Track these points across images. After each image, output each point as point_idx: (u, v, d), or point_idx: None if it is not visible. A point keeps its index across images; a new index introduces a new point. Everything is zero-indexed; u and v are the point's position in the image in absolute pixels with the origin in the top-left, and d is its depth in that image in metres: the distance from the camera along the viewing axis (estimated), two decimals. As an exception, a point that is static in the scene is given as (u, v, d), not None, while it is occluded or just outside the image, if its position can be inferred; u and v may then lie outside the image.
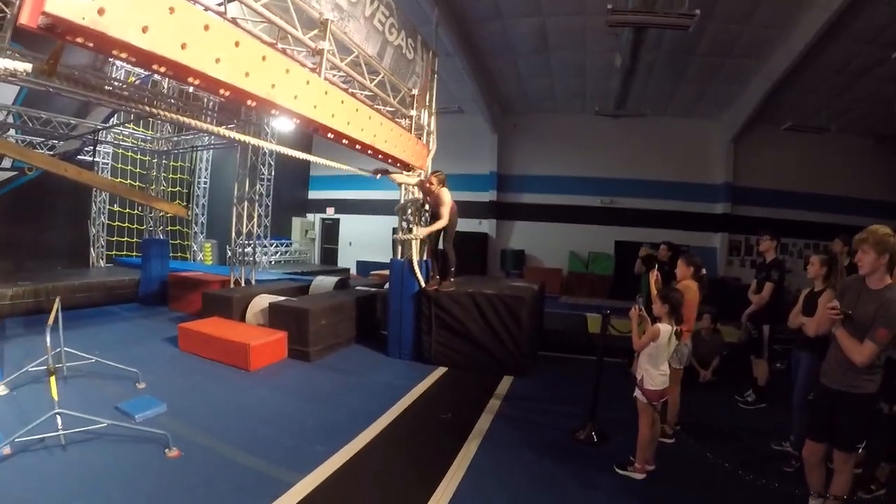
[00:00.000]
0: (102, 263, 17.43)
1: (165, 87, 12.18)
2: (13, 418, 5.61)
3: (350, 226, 25.64)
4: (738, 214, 19.37)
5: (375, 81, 7.71)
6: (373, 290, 12.17)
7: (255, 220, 13.13)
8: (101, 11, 2.95)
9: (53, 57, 4.09)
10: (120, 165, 17.44)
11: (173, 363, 8.49)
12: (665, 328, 5.00)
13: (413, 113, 9.05)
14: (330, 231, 26.28)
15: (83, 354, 7.11)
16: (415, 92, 8.99)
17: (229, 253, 19.54)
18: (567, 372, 8.83)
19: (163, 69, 3.67)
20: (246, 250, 13.28)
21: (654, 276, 6.63)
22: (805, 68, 13.54)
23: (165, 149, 15.50)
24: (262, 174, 13.03)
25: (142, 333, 10.32)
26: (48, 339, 5.49)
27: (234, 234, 13.09)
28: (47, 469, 4.71)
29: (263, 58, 4.31)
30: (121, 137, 15.38)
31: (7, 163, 13.66)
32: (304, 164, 25.00)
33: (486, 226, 22.43)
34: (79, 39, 3.10)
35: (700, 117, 19.37)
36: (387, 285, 11.33)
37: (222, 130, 5.81)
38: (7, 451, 4.78)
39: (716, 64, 15.12)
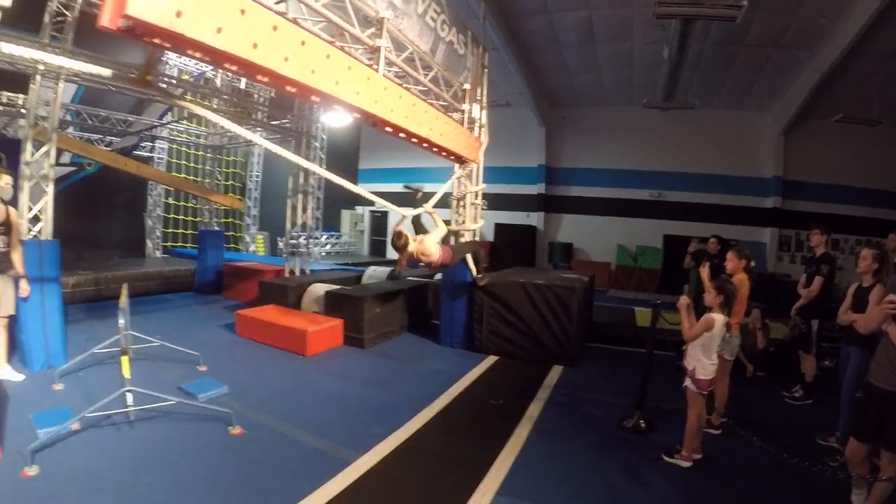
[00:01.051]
0: (158, 254, 18.08)
1: (219, 83, 12.52)
2: (79, 397, 6.03)
3: (397, 218, 25.26)
4: (789, 209, 18.98)
5: (429, 76, 7.87)
6: (424, 280, 12.40)
7: (309, 212, 13.42)
8: (178, 14, 3.16)
9: (147, 66, 4.33)
10: (174, 160, 18.02)
11: (231, 348, 8.86)
12: (719, 318, 5.06)
13: (465, 107, 9.18)
14: (379, 223, 26.57)
15: (148, 338, 7.43)
16: (466, 86, 9.12)
17: (280, 244, 20.04)
18: (615, 363, 8.90)
19: (234, 67, 3.89)
20: (300, 241, 13.59)
21: (704, 268, 6.71)
22: (855, 58, 13.23)
23: (220, 143, 15.97)
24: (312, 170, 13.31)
25: (199, 320, 10.76)
26: (121, 321, 5.81)
27: (288, 225, 13.43)
28: (116, 444, 5.04)
29: (327, 56, 4.52)
30: (176, 133, 15.89)
31: (66, 158, 14.21)
32: (353, 157, 25.35)
33: (534, 218, 22.39)
34: (156, 40, 3.32)
35: (749, 109, 19.00)
36: (437, 276, 11.54)
37: (246, 133, 5.98)
38: (76, 427, 5.12)
39: (764, 55, 14.91)
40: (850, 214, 18.44)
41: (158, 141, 16.83)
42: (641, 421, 6.17)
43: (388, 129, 6.06)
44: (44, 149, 7.30)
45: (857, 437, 4.15)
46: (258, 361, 8.19)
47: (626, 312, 13.17)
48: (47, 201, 7.30)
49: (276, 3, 5.01)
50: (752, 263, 6.43)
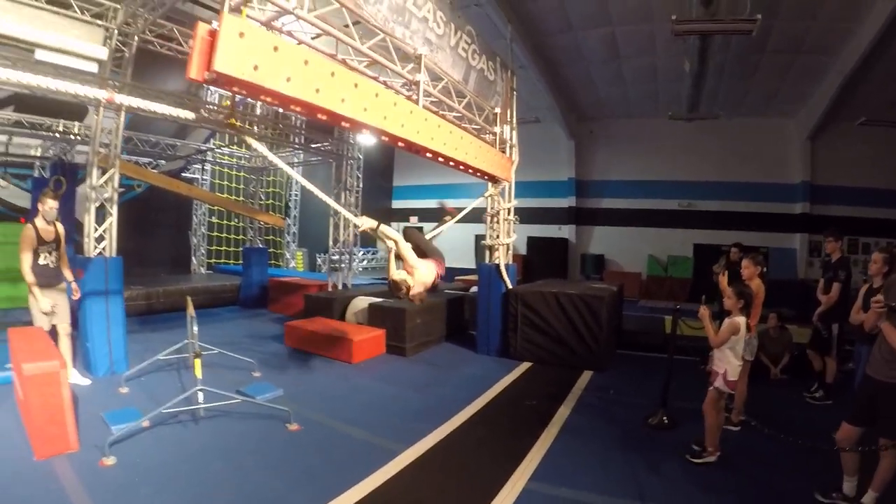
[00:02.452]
0: (202, 270, 18.94)
1: (258, 110, 13.23)
2: (144, 399, 6.76)
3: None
4: (818, 214, 18.87)
5: (463, 103, 8.39)
6: (460, 293, 12.92)
7: (350, 230, 14.04)
8: (255, 67, 3.79)
9: (231, 110, 4.96)
10: (216, 181, 18.84)
11: (282, 356, 9.54)
12: (742, 320, 5.38)
13: (497, 129, 9.69)
14: (407, 232, 26.84)
15: (207, 346, 8.03)
16: (497, 110, 9.66)
17: (319, 260, 20.77)
18: (643, 369, 9.27)
19: (299, 109, 4.54)
20: (342, 257, 14.25)
21: (723, 276, 7.12)
22: (877, 60, 13.33)
23: (263, 165, 16.76)
24: (352, 186, 13.98)
25: (248, 331, 11.45)
26: (194, 328, 6.53)
27: (331, 242, 14.05)
28: (185, 439, 5.71)
29: (376, 95, 5.13)
30: (221, 156, 16.70)
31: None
32: (388, 174, 25.99)
33: (565, 231, 22.71)
34: (235, 88, 3.96)
35: (774, 116, 19.16)
36: (472, 289, 12.10)
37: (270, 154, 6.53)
38: (147, 424, 5.78)
39: (786, 61, 15.08)
40: (882, 217, 18.39)
41: (200, 163, 17.69)
42: (664, 417, 6.59)
43: (428, 155, 6.62)
44: (108, 174, 8.00)
45: (850, 422, 4.50)
46: (308, 368, 8.85)
47: (656, 321, 13.46)
48: (112, 222, 8.01)
49: (313, 39, 5.60)
50: (765, 269, 6.82)
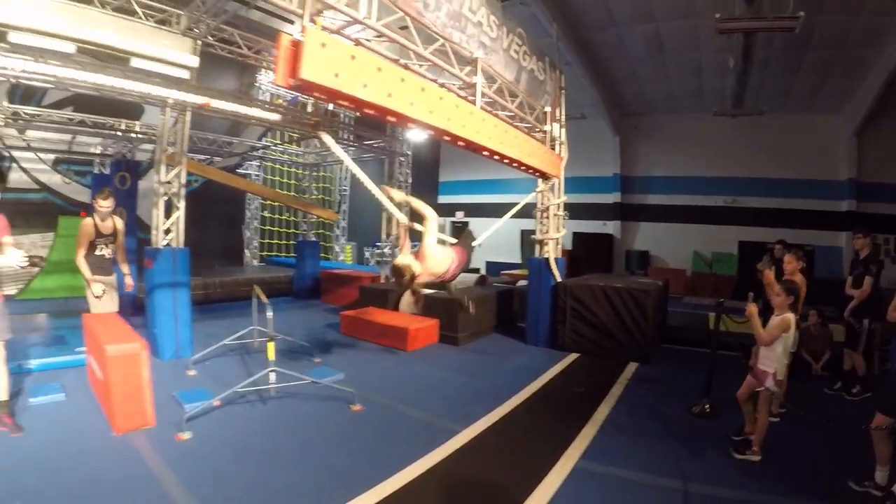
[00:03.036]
0: (255, 263, 19.58)
1: (309, 107, 13.70)
2: (211, 380, 7.35)
3: (479, 228, 25.98)
4: (865, 212, 18.28)
5: (515, 103, 8.79)
6: (509, 286, 13.32)
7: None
8: (336, 75, 4.20)
9: (316, 116, 5.39)
10: (268, 177, 19.48)
11: (339, 344, 10.02)
12: (791, 316, 5.48)
13: (547, 128, 10.06)
14: (460, 233, 26.98)
15: (270, 332, 8.53)
16: (547, 109, 10.01)
17: (367, 254, 21.26)
18: (687, 362, 9.49)
19: (372, 112, 4.94)
20: (395, 250, 14.68)
21: (770, 272, 7.30)
22: None
23: (316, 161, 17.30)
24: (402, 182, 14.44)
25: (304, 320, 11.98)
26: (269, 313, 6.96)
27: (384, 236, 14.58)
28: (254, 417, 6.21)
29: (440, 98, 5.52)
30: (274, 153, 17.28)
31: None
32: (434, 169, 26.32)
33: (610, 227, 22.65)
34: (316, 94, 4.37)
35: (820, 111, 18.71)
36: (519, 283, 12.44)
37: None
38: (217, 403, 6.25)
39: (831, 56, 14.91)
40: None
41: (253, 159, 18.32)
42: (707, 407, 6.83)
43: (485, 153, 6.99)
44: (175, 171, 8.52)
45: (883, 412, 4.65)
46: (365, 355, 9.32)
47: (700, 318, 13.55)
48: (179, 215, 8.53)
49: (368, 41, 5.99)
50: (805, 265, 7.00)
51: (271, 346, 6.66)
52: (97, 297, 7.32)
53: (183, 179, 8.64)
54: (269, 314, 6.87)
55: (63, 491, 4.34)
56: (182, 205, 8.58)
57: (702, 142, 20.77)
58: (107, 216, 7.50)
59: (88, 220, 7.40)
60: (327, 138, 4.46)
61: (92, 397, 6.51)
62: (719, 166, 20.63)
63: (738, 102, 16.40)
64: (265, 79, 14.73)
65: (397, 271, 5.30)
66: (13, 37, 4.53)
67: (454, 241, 6.71)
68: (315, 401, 6.77)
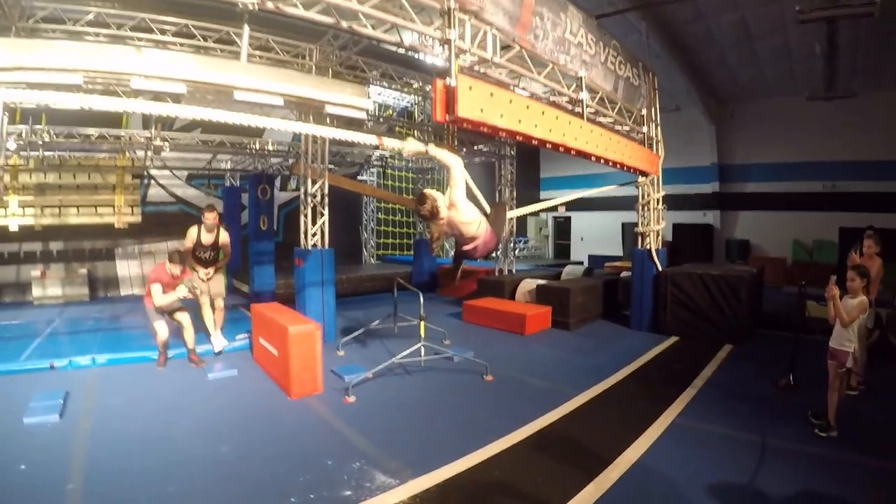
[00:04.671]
0: (373, 261, 21.17)
1: (416, 116, 14.98)
2: (358, 358, 8.85)
3: (581, 222, 26.97)
4: None
5: (615, 109, 9.80)
6: (614, 276, 14.27)
7: (514, 222, 15.70)
8: (481, 110, 5.45)
9: (451, 137, 6.63)
10: (385, 181, 21.06)
11: (463, 329, 11.37)
12: (865, 299, 5.76)
13: (644, 130, 10.96)
14: (562, 228, 28.26)
15: (407, 317, 10.06)
16: (643, 112, 10.90)
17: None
18: (780, 346, 9.63)
19: (503, 134, 6.17)
20: (509, 246, 16.10)
21: (853, 255, 7.85)
22: None
23: (429, 166, 18.71)
24: (508, 181, 15.60)
25: (428, 310, 12.99)
26: (422, 299, 8.52)
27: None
28: (403, 386, 7.64)
29: (556, 117, 6.65)
30: (391, 160, 18.77)
31: (293, 184, 18.22)
32: (535, 166, 27.34)
33: (710, 217, 22.69)
34: (465, 125, 5.60)
35: None
36: (622, 274, 13.41)
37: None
38: (370, 376, 7.63)
39: None
40: None
41: (369, 166, 19.87)
42: (791, 380, 7.51)
43: (593, 158, 8.03)
44: (318, 183, 9.97)
45: None
46: (488, 338, 10.53)
47: (798, 303, 13.87)
48: (324, 221, 9.95)
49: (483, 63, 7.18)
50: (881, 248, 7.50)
51: (422, 325, 8.19)
52: (196, 292, 8.75)
53: (325, 190, 10.06)
54: (421, 299, 8.38)
55: (261, 438, 5.80)
56: (326, 212, 10.00)
57: (798, 126, 20.11)
58: (212, 227, 9.04)
59: (194, 227, 9.05)
60: (433, 150, 5.36)
61: (260, 372, 8.15)
62: (817, 150, 19.92)
63: (829, 85, 16.17)
64: (374, 90, 16.17)
65: (421, 197, 5.16)
66: (237, 94, 6.03)
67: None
68: (453, 373, 8.13)
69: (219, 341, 9.10)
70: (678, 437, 5.83)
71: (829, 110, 18.62)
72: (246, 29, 6.71)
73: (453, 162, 5.07)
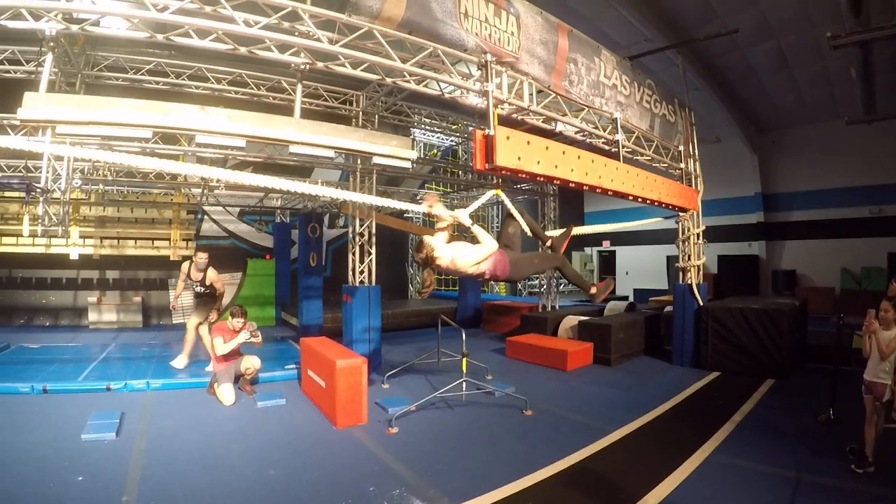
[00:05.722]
0: (418, 296, 21.50)
1: (460, 157, 15.36)
2: (402, 391, 9.16)
3: (626, 256, 27.17)
4: None
5: (651, 148, 10.02)
6: (656, 311, 14.31)
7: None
8: (518, 158, 5.77)
9: (498, 182, 7.08)
10: (426, 218, 21.40)
11: (506, 364, 11.61)
12: None
13: (682, 166, 11.06)
14: (607, 262, 28.45)
15: (450, 353, 10.45)
16: (681, 148, 11.01)
17: (519, 286, 22.69)
18: (824, 379, 9.43)
19: (541, 179, 6.49)
20: (551, 282, 16.35)
21: (893, 285, 7.82)
22: None
23: (470, 204, 19.06)
24: (551, 217, 15.85)
25: (471, 346, 13.06)
26: (464, 336, 8.73)
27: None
28: (444, 419, 7.90)
29: (592, 161, 6.91)
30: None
31: (341, 221, 18.90)
32: (578, 201, 27.50)
33: (755, 248, 22.51)
34: (503, 172, 5.93)
35: None
36: (666, 308, 13.48)
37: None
38: (412, 408, 7.95)
39: None
40: None
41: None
42: (831, 415, 7.50)
43: (630, 197, 8.24)
44: (366, 224, 10.44)
45: None
46: (530, 373, 10.75)
47: (845, 338, 13.63)
48: (371, 259, 10.38)
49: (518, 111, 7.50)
50: None
51: (464, 361, 8.45)
52: (173, 307, 10.47)
53: (373, 229, 10.50)
54: (463, 336, 8.64)
55: (306, 463, 6.17)
56: (373, 250, 10.45)
57: (842, 151, 19.93)
58: (202, 269, 9.97)
59: (186, 264, 10.14)
60: (503, 195, 5.93)
61: (306, 402, 8.58)
62: (862, 175, 19.76)
63: (869, 108, 15.74)
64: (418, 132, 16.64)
65: (419, 245, 5.66)
66: (293, 148, 6.48)
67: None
68: (493, 407, 8.36)
69: (180, 362, 9.98)
70: (712, 472, 5.93)
71: (871, 133, 18.33)
72: (299, 88, 7.23)
73: (485, 239, 5.62)
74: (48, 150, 6.02)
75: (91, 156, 6.91)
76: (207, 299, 10.31)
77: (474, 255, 5.59)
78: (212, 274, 10.07)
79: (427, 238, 5.61)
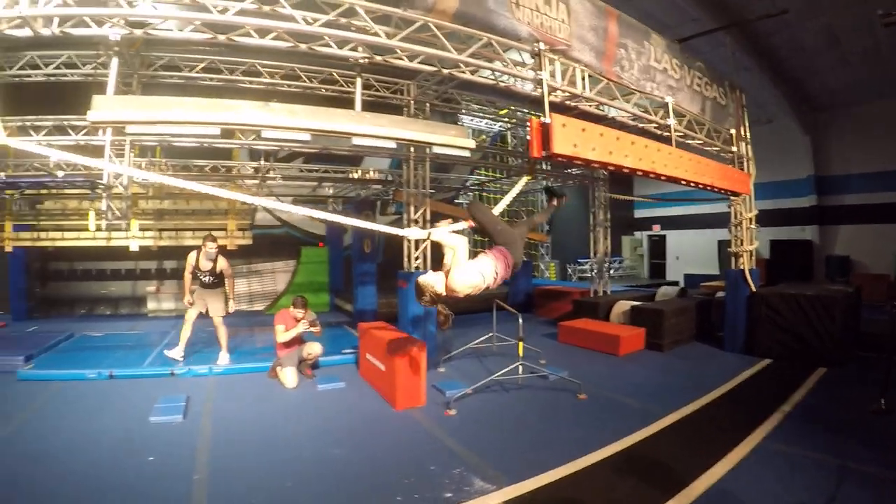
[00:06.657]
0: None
1: (509, 142, 15.43)
2: (458, 375, 9.43)
3: (676, 241, 26.74)
4: None
5: (703, 132, 9.97)
6: (708, 297, 14.15)
7: (608, 242, 16.22)
8: (574, 145, 5.89)
9: (531, 167, 7.20)
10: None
11: (558, 349, 11.68)
12: None
13: (734, 149, 10.95)
14: (657, 247, 28.08)
15: (506, 338, 10.62)
16: (732, 131, 10.91)
17: (569, 270, 22.67)
18: (878, 368, 9.06)
19: (596, 165, 6.60)
20: (604, 267, 16.44)
21: None
22: None
23: (525, 189, 19.17)
24: (602, 202, 15.87)
25: (523, 331, 13.55)
26: (520, 320, 8.97)
27: (592, 255, 16.27)
28: (499, 401, 8.11)
29: (646, 146, 6.99)
30: (487, 184, 19.29)
31: (392, 208, 19.06)
32: (628, 185, 26.46)
33: (808, 232, 21.72)
34: (559, 159, 6.03)
35: None
36: (718, 294, 13.39)
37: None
38: (469, 391, 8.09)
39: None
40: None
41: (467, 191, 20.44)
42: (883, 404, 7.33)
43: (682, 182, 8.27)
44: (420, 210, 10.65)
45: None
46: (582, 358, 10.84)
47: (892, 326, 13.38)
48: (426, 245, 10.53)
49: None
50: None
51: (521, 345, 8.70)
52: (189, 303, 9.78)
53: (428, 216, 10.73)
54: (520, 320, 8.88)
55: (368, 443, 6.42)
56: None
57: None
58: (212, 258, 9.70)
59: (193, 253, 9.78)
60: (436, 236, 5.55)
61: (365, 384, 8.87)
62: None
63: None
64: (466, 118, 16.73)
65: (420, 290, 5.35)
66: (355, 140, 6.70)
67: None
68: (547, 391, 8.50)
69: (223, 358, 9.81)
70: (762, 460, 5.95)
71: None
72: (359, 82, 7.46)
73: (457, 243, 5.28)
74: (126, 173, 6.27)
75: (154, 179, 7.13)
76: (218, 289, 10.03)
77: (464, 269, 5.27)
78: (223, 262, 9.83)
79: (420, 279, 5.37)
